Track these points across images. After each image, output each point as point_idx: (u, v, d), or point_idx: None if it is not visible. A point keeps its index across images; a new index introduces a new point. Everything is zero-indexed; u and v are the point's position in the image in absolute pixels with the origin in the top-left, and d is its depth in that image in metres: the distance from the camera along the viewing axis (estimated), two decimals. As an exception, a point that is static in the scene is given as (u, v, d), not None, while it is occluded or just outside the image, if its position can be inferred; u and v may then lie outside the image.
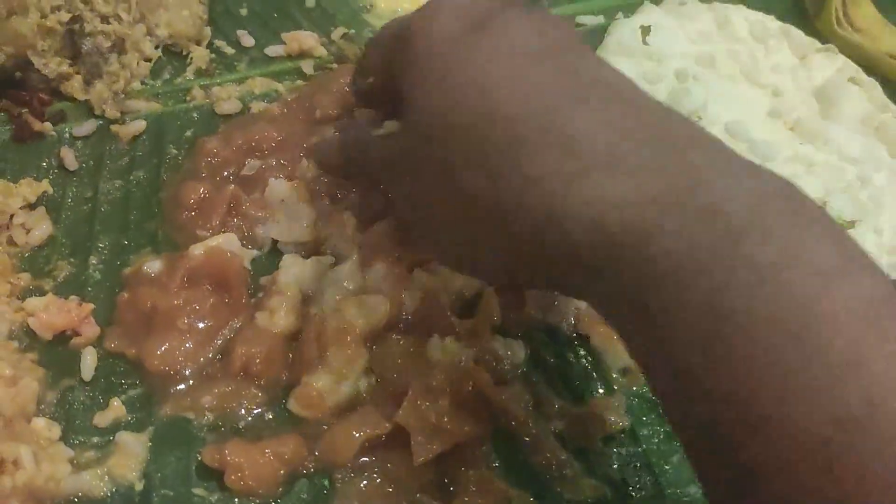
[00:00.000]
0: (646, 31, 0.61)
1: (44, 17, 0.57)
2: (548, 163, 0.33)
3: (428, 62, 0.38)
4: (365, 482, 0.43)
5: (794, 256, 0.29)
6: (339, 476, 0.43)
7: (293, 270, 0.48)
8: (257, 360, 0.46)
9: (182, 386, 0.46)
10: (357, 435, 0.43)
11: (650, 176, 0.32)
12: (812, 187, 0.54)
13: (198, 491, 0.43)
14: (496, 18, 0.38)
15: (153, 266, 0.49)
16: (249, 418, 0.45)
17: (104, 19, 0.58)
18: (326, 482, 0.43)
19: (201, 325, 0.47)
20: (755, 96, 0.60)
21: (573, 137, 0.33)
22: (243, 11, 0.66)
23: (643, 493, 0.44)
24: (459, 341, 0.46)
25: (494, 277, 0.44)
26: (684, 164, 0.32)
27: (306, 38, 0.62)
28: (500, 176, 0.35)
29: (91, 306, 0.48)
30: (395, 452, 0.43)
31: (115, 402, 0.45)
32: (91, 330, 0.48)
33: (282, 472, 0.43)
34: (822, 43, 0.65)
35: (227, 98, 0.59)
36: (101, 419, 0.45)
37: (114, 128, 0.57)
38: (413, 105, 0.39)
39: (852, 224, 0.53)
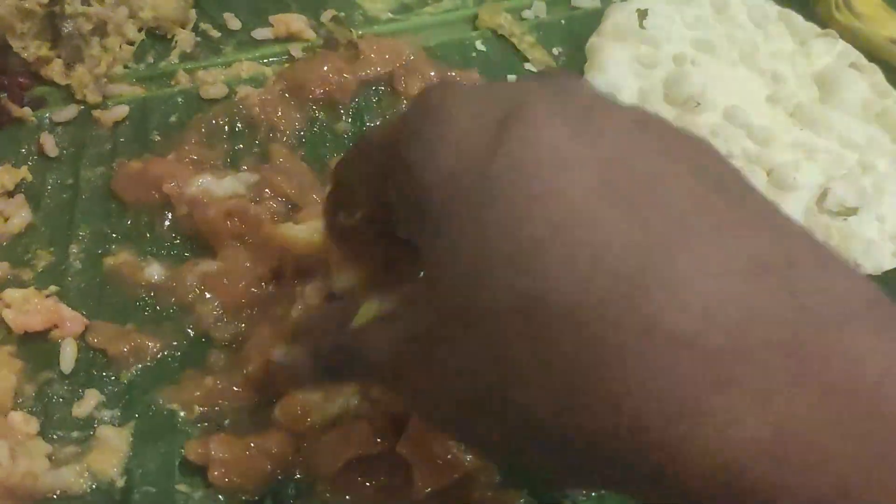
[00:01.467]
0: (643, 14, 0.60)
1: (23, -2, 0.55)
2: (683, 379, 0.22)
3: (452, 199, 0.26)
4: (349, 497, 0.41)
5: None
6: (323, 488, 0.41)
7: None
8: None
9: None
10: (344, 451, 0.41)
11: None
12: (812, 174, 0.53)
13: (181, 487, 0.42)
14: (526, 109, 0.26)
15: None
16: (236, 416, 0.44)
17: (85, 1, 0.56)
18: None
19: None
20: (754, 82, 0.59)
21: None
22: (230, -6, 0.64)
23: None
24: None
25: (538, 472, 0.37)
26: None
27: (295, 21, 0.60)
28: (571, 380, 0.23)
29: (66, 307, 0.46)
30: (396, 477, 0.41)
31: (93, 392, 0.44)
32: (75, 327, 0.46)
33: (268, 468, 0.41)
34: (822, 28, 0.64)
35: (212, 82, 0.57)
36: (79, 409, 0.43)
37: (95, 113, 0.55)
38: (435, 269, 0.27)
39: (854, 211, 0.51)
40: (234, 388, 0.44)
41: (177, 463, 0.42)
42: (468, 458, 0.40)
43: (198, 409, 0.44)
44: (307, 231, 0.46)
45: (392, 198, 0.30)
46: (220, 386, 0.44)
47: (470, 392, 0.27)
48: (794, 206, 0.52)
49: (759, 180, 0.52)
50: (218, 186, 0.49)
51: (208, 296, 0.47)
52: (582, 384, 0.23)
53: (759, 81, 0.59)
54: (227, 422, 0.43)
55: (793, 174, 0.52)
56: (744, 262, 0.23)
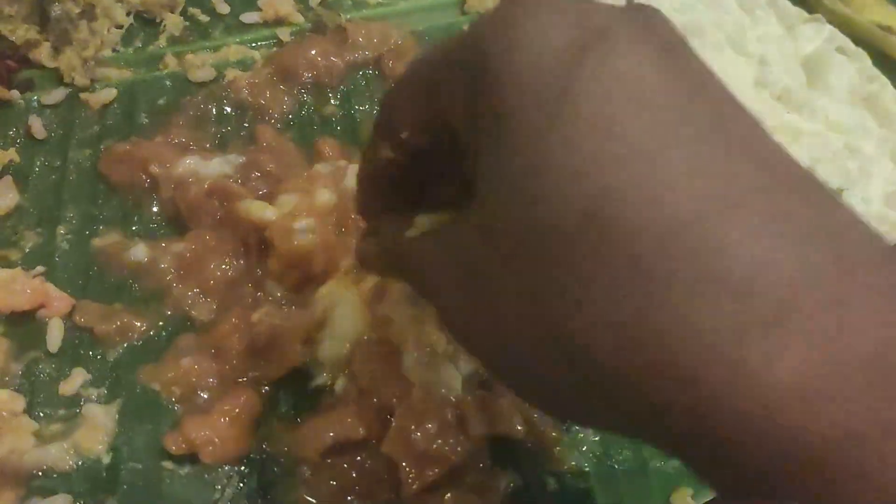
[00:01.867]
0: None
1: (11, -19, 0.55)
2: (726, 308, 0.22)
3: (521, 113, 0.25)
4: (333, 482, 0.41)
5: None
6: (307, 470, 0.41)
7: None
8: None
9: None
10: (328, 433, 0.41)
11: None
12: (799, 156, 0.53)
13: (167, 464, 0.42)
14: (610, 37, 0.25)
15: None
16: (214, 396, 0.44)
17: (73, -15, 0.56)
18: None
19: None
20: (741, 66, 0.59)
21: (768, 267, 0.22)
22: (218, -22, 0.64)
23: (626, 465, 0.43)
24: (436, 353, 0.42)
25: (564, 416, 0.34)
26: None
27: (283, 5, 0.60)
28: (633, 322, 0.23)
29: (52, 287, 0.47)
30: (380, 465, 0.41)
31: (80, 371, 0.44)
32: (62, 306, 0.46)
33: (248, 425, 0.42)
34: (809, 13, 0.64)
35: (200, 66, 0.57)
36: (66, 387, 0.43)
37: (83, 96, 0.55)
38: (491, 184, 0.26)
39: (840, 192, 0.51)
40: (212, 367, 0.44)
41: (163, 440, 0.42)
42: (458, 449, 0.39)
43: (176, 389, 0.44)
44: (275, 212, 0.46)
45: (451, 110, 0.29)
46: (196, 367, 0.44)
47: (514, 316, 0.26)
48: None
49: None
50: (205, 167, 0.49)
51: (182, 276, 0.47)
52: (638, 312, 0.23)
53: (747, 65, 0.59)
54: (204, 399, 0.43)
55: (779, 157, 0.52)
56: (799, 228, 0.23)
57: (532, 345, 0.26)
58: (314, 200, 0.47)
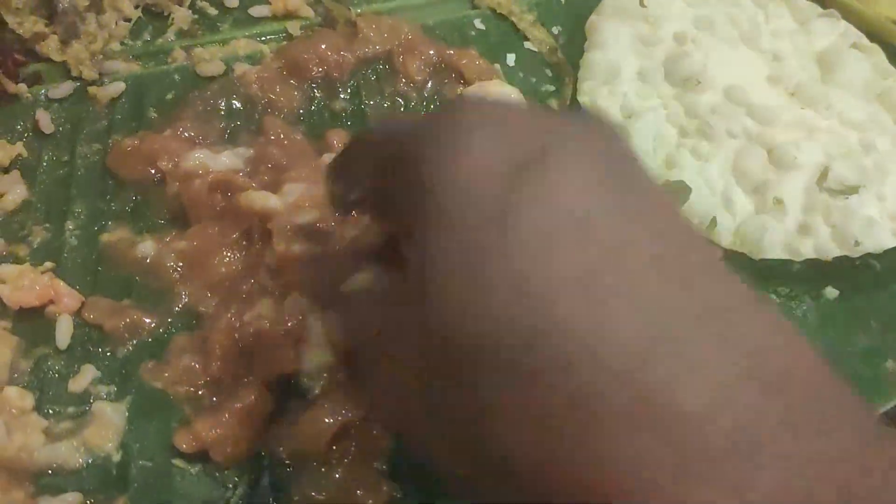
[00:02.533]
0: (643, -8, 0.59)
1: (18, -27, 0.54)
2: (654, 444, 0.22)
3: (453, 225, 0.25)
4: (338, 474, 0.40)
5: None
6: (318, 465, 0.41)
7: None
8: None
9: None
10: (327, 422, 0.40)
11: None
12: (813, 153, 0.52)
13: (178, 462, 0.41)
14: (552, 156, 0.25)
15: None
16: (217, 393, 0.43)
17: (81, -23, 0.56)
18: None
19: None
20: (755, 61, 0.58)
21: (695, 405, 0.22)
22: (227, -29, 0.63)
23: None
24: None
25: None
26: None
27: (292, -1, 0.60)
28: (567, 446, 0.22)
29: (61, 283, 0.46)
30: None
31: (89, 368, 0.43)
32: (71, 303, 0.46)
33: (259, 424, 0.41)
34: (823, 8, 0.63)
35: (209, 60, 0.56)
36: (75, 385, 0.43)
37: (91, 90, 0.54)
38: (430, 286, 0.25)
39: (855, 189, 0.51)
40: (211, 367, 0.43)
41: (173, 438, 0.42)
42: None
43: (179, 389, 0.43)
44: (278, 201, 0.46)
45: (392, 192, 0.29)
46: (196, 366, 0.43)
47: (436, 408, 0.26)
48: (795, 185, 0.51)
49: (759, 159, 0.52)
50: (214, 161, 0.49)
51: (187, 272, 0.47)
52: (573, 439, 0.23)
53: (760, 61, 0.58)
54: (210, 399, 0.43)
55: (793, 153, 0.52)
56: (742, 366, 0.22)
57: (441, 431, 0.26)
58: (319, 190, 0.47)
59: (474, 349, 0.24)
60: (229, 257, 0.46)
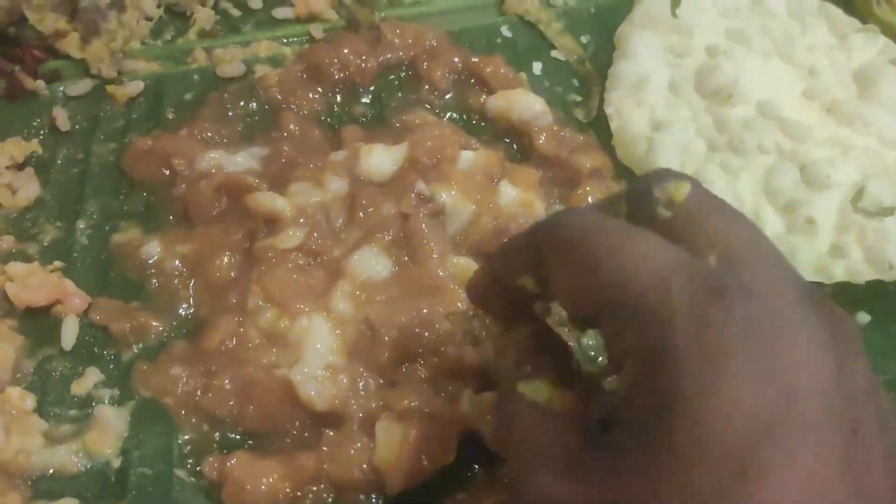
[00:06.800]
0: (675, 2, 0.58)
1: (40, -31, 0.54)
2: None
3: (692, 460, 0.26)
4: None
5: None
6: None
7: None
8: None
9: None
10: (422, 464, 0.40)
11: None
12: (848, 171, 0.50)
13: (179, 472, 0.40)
14: (798, 423, 0.26)
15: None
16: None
17: (104, -25, 0.55)
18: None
19: None
20: (789, 75, 0.57)
21: None
22: (251, -28, 0.62)
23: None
24: None
25: None
26: None
27: (316, 1, 0.59)
28: None
29: (70, 283, 0.45)
30: None
31: (93, 371, 0.43)
32: (79, 304, 0.45)
33: (287, 492, 0.39)
34: (863, 23, 0.61)
35: (230, 61, 0.56)
36: (78, 387, 0.42)
37: (110, 88, 0.54)
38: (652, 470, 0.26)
39: (891, 211, 0.49)
40: (201, 375, 0.42)
41: (175, 446, 0.41)
42: None
43: (168, 400, 0.42)
44: (285, 201, 0.45)
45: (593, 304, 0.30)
46: (185, 375, 0.42)
47: None
48: (828, 204, 0.49)
49: (791, 177, 0.50)
50: (229, 162, 0.48)
51: (189, 275, 0.46)
52: None
53: (795, 75, 0.57)
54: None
55: (827, 171, 0.50)
56: None
57: None
58: (326, 189, 0.47)
59: None
60: (228, 259, 0.46)
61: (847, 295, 0.47)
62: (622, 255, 0.28)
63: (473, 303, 0.38)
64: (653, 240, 0.29)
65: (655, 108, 0.53)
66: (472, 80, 0.56)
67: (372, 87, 0.55)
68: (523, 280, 0.33)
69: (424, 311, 0.43)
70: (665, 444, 0.26)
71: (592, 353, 0.43)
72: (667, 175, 0.31)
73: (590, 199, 0.50)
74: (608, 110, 0.54)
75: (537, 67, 0.58)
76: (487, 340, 0.43)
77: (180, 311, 0.45)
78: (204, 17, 0.58)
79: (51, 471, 0.40)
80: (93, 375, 0.43)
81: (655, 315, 0.27)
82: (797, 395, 0.26)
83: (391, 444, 0.39)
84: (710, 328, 0.26)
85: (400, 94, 0.56)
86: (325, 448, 0.40)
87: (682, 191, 0.31)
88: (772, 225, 0.49)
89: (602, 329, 0.30)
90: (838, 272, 0.48)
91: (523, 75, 0.56)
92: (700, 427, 0.25)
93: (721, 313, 0.26)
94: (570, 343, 0.36)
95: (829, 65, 0.58)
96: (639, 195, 0.31)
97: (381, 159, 0.48)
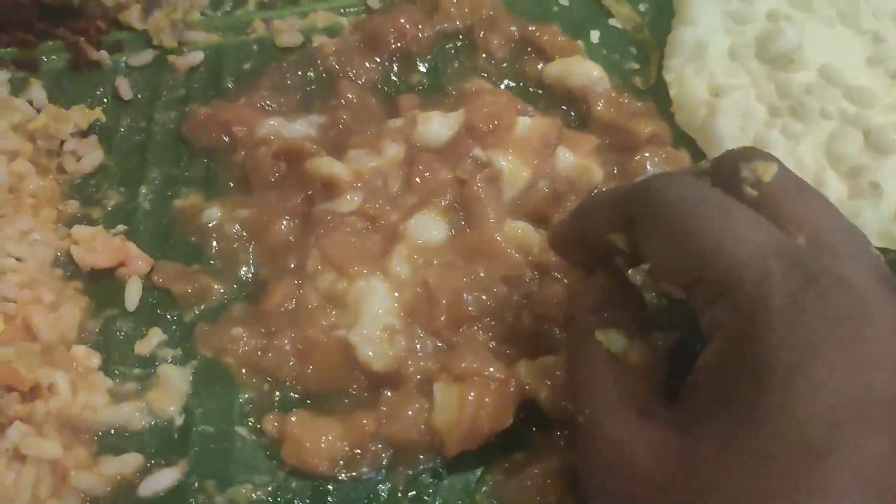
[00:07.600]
0: (736, -32, 0.57)
1: (104, -57, 0.55)
2: None
3: (778, 432, 0.27)
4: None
5: None
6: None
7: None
8: None
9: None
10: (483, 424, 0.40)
11: None
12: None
13: (240, 430, 0.41)
14: (868, 422, 0.27)
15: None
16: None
17: (165, -53, 0.56)
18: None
19: None
20: (853, 41, 0.55)
21: None
22: (311, -58, 0.63)
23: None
24: None
25: None
26: None
27: (373, -29, 0.59)
28: None
29: (133, 246, 0.46)
30: None
31: (156, 331, 0.43)
32: (142, 266, 0.46)
33: (346, 450, 0.40)
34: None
35: (288, 31, 0.56)
36: (142, 347, 0.43)
37: (171, 58, 0.55)
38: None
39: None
40: (261, 336, 0.43)
41: (236, 405, 0.42)
42: None
43: (229, 360, 0.43)
44: (343, 167, 0.46)
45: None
46: (245, 336, 0.43)
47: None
48: (893, 169, 0.48)
49: (855, 142, 0.49)
50: (287, 129, 0.48)
51: (249, 238, 0.47)
52: None
53: (859, 41, 0.55)
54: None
55: (893, 136, 0.49)
56: None
57: None
58: (383, 155, 0.47)
59: None
60: (287, 223, 0.46)
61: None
62: (723, 229, 0.29)
63: (554, 251, 0.39)
64: (752, 216, 0.30)
65: (715, 74, 0.53)
66: (529, 49, 0.56)
67: (428, 56, 0.55)
68: (612, 237, 0.34)
69: (481, 274, 0.44)
70: (749, 416, 0.27)
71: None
72: (753, 154, 0.32)
73: (648, 166, 0.49)
74: (667, 77, 0.53)
75: (594, 36, 0.57)
76: (545, 305, 0.43)
77: (240, 273, 0.46)
78: (263, -13, 0.59)
79: (115, 427, 0.40)
80: (156, 335, 0.43)
81: (753, 292, 0.28)
82: (876, 382, 0.27)
83: (449, 407, 0.40)
84: (805, 313, 0.27)
85: (456, 63, 0.56)
86: (383, 408, 0.40)
87: (770, 171, 0.31)
88: (834, 190, 0.48)
89: (693, 296, 0.30)
90: (904, 237, 0.47)
91: (580, 43, 0.56)
92: (786, 405, 0.26)
93: (815, 299, 0.27)
94: (648, 298, 0.36)
95: (895, 30, 0.56)
96: (725, 172, 0.32)
97: (437, 126, 0.48)
